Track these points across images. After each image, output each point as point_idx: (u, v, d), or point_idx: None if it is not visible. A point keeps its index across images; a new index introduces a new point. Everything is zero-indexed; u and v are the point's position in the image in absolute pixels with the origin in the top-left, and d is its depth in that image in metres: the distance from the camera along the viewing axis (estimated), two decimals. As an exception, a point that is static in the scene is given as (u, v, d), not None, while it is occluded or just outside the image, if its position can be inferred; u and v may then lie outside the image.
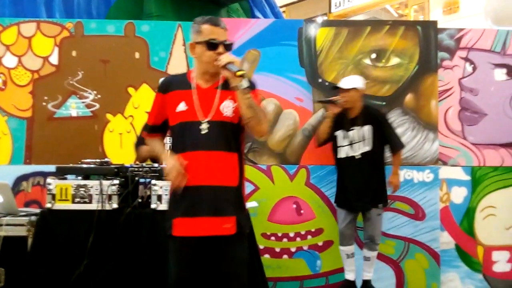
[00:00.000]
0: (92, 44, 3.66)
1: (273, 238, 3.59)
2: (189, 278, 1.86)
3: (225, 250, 1.87)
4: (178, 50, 3.70)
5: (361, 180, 3.26)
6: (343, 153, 3.34)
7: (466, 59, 3.80)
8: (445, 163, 3.73)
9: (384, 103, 3.70)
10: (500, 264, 3.70)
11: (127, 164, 2.84)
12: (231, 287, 1.87)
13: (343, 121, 3.35)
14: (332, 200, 3.50)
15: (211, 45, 1.89)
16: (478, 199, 3.72)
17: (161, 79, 2.10)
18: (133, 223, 2.53)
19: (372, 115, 3.34)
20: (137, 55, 3.69)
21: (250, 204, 2.95)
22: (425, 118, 3.71)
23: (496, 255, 3.71)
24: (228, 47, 1.92)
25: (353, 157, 3.29)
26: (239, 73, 1.79)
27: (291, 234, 3.59)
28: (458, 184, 3.73)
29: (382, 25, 3.77)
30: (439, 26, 3.87)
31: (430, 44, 3.74)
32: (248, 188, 3.58)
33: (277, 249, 3.59)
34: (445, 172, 3.71)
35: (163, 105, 1.98)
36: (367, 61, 3.71)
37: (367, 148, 3.27)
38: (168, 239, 1.91)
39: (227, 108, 1.93)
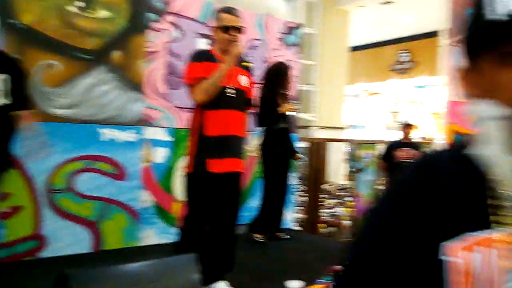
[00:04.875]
0: None
1: None
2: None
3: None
4: None
5: None
6: None
7: (174, 25, 3.91)
8: (149, 124, 3.79)
9: (90, 57, 3.45)
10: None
11: None
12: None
13: None
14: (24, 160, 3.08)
15: (225, 29, 2.59)
16: (177, 159, 3.96)
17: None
18: None
19: (10, 62, 2.75)
20: None
21: None
22: (131, 77, 3.65)
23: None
24: (238, 30, 2.61)
25: None
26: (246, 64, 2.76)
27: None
28: (160, 145, 3.86)
29: (91, -28, 3.47)
30: (150, -14, 3.84)
31: (140, 3, 3.67)
32: None
33: None
34: (149, 132, 3.78)
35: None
36: (72, 8, 3.36)
37: (4, 101, 2.65)
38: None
39: (244, 80, 2.71)
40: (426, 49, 9.65)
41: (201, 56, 2.63)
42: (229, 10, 2.65)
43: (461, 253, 0.63)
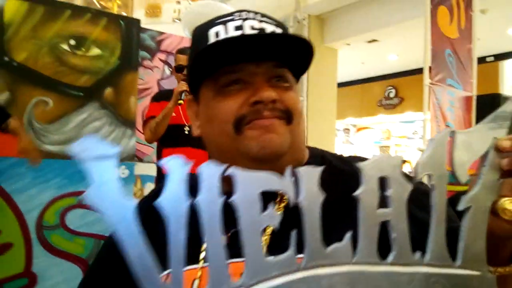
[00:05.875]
0: None
1: None
2: None
3: None
4: None
5: None
6: None
7: (165, 62, 4.01)
8: (140, 160, 3.81)
9: (81, 93, 3.50)
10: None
11: None
12: None
13: None
14: (16, 197, 3.06)
15: (178, 69, 2.77)
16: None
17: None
18: None
19: None
20: None
21: None
22: (123, 114, 3.69)
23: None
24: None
25: None
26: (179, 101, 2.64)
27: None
28: (151, 180, 3.87)
29: (84, 12, 3.58)
30: (142, 26, 3.96)
31: (132, 41, 3.76)
32: None
33: None
34: (140, 168, 3.79)
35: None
36: (65, 46, 3.44)
37: None
38: None
39: None
40: (411, 86, 9.87)
41: (160, 96, 2.77)
42: (183, 51, 2.78)
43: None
